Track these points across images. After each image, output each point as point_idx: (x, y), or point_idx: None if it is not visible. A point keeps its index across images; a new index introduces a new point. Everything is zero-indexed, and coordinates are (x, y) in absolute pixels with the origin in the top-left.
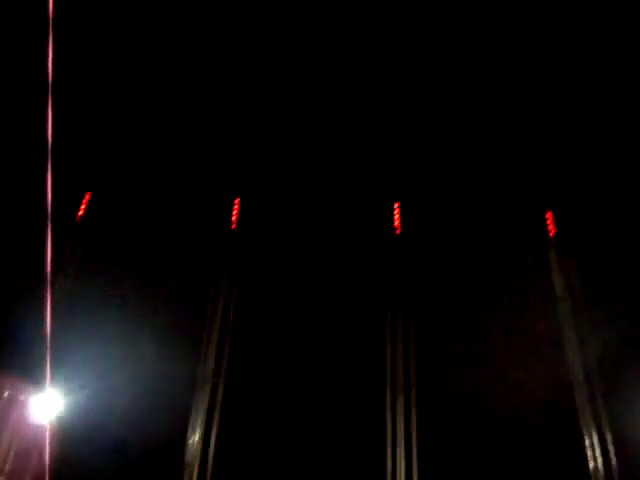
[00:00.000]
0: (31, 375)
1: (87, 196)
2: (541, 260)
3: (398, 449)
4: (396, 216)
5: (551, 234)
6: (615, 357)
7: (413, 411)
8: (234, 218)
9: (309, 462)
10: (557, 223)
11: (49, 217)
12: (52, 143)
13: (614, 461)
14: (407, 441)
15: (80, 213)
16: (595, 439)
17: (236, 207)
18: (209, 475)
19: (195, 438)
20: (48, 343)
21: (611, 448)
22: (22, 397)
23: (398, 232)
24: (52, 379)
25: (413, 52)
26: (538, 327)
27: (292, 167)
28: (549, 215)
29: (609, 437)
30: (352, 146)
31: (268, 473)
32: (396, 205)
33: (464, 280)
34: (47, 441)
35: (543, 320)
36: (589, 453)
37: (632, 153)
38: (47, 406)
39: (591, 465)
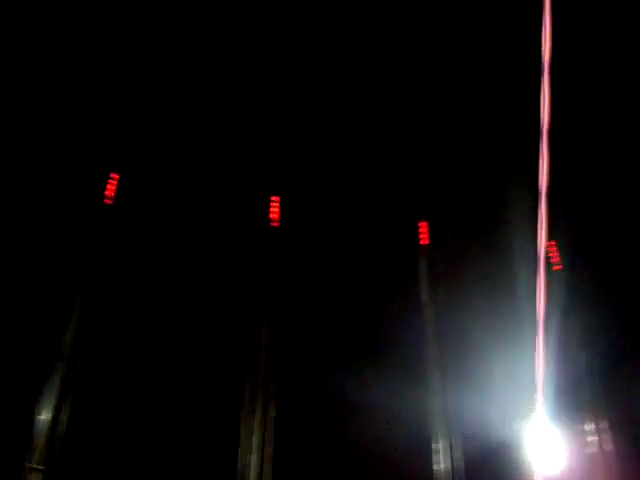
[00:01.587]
0: None
1: None
2: (411, 268)
3: (254, 438)
4: (274, 209)
5: (422, 242)
6: (472, 364)
7: (271, 409)
8: (110, 193)
9: (162, 453)
10: (431, 233)
11: None
12: None
13: (459, 465)
14: (262, 437)
15: None
16: (443, 444)
17: (113, 182)
18: (56, 455)
19: (44, 417)
20: None
21: (458, 452)
22: None
23: (275, 225)
24: None
25: (292, 46)
26: (403, 331)
27: (167, 159)
28: (423, 224)
29: (456, 441)
30: (235, 136)
31: (118, 459)
32: (275, 198)
33: (334, 281)
34: None
35: (408, 324)
36: (435, 458)
37: (502, 166)
38: None
39: (436, 468)
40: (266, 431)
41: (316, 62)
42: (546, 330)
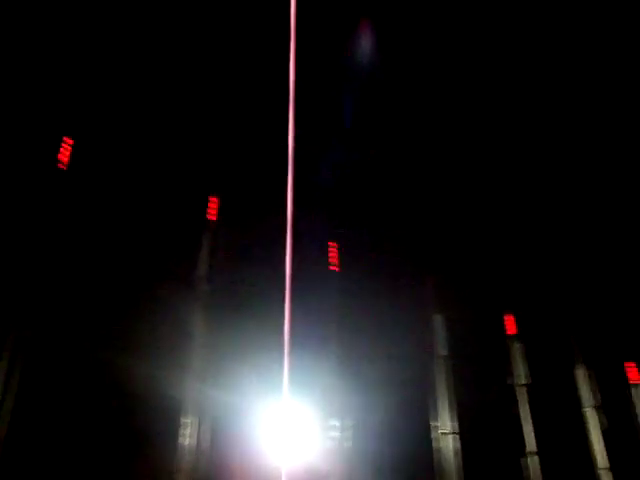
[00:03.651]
0: None
1: None
2: (195, 243)
3: None
4: (65, 151)
5: (210, 217)
6: (236, 347)
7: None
8: None
9: None
10: (220, 209)
11: None
12: None
13: (206, 443)
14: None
15: None
16: (192, 419)
17: None
18: None
19: None
20: None
21: (206, 431)
22: None
23: (63, 167)
24: None
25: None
26: (175, 308)
27: None
28: (213, 199)
29: (206, 420)
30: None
31: None
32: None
33: (114, 246)
34: None
35: (181, 303)
36: (183, 432)
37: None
38: None
39: (185, 442)
40: (9, 383)
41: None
42: (295, 325)
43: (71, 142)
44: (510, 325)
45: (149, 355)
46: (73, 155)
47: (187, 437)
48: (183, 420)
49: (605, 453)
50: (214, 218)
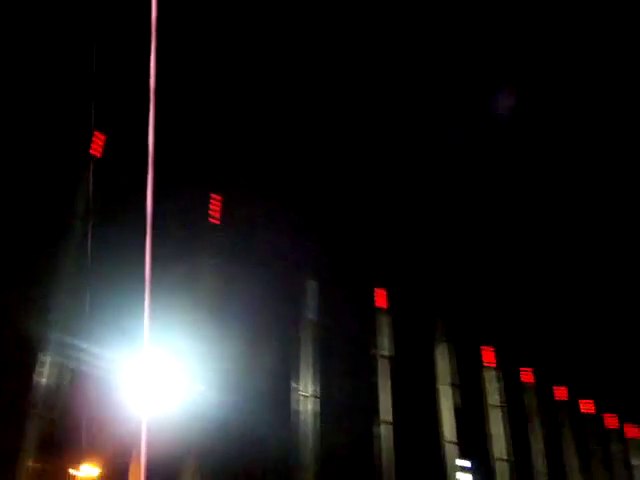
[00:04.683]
0: None
1: None
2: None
3: None
4: None
5: (94, 153)
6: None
7: None
8: None
9: None
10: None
11: None
12: None
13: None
14: None
15: None
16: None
17: None
18: None
19: None
20: None
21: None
22: None
23: None
24: None
25: None
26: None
27: None
28: (99, 135)
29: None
30: None
31: None
32: None
33: None
34: None
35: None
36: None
37: None
38: None
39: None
40: None
41: None
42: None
43: None
44: (381, 298)
45: (13, 291)
46: None
47: (45, 375)
48: (42, 358)
49: (454, 428)
50: (98, 155)
